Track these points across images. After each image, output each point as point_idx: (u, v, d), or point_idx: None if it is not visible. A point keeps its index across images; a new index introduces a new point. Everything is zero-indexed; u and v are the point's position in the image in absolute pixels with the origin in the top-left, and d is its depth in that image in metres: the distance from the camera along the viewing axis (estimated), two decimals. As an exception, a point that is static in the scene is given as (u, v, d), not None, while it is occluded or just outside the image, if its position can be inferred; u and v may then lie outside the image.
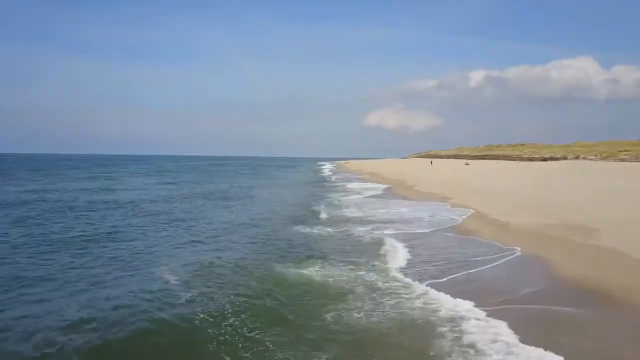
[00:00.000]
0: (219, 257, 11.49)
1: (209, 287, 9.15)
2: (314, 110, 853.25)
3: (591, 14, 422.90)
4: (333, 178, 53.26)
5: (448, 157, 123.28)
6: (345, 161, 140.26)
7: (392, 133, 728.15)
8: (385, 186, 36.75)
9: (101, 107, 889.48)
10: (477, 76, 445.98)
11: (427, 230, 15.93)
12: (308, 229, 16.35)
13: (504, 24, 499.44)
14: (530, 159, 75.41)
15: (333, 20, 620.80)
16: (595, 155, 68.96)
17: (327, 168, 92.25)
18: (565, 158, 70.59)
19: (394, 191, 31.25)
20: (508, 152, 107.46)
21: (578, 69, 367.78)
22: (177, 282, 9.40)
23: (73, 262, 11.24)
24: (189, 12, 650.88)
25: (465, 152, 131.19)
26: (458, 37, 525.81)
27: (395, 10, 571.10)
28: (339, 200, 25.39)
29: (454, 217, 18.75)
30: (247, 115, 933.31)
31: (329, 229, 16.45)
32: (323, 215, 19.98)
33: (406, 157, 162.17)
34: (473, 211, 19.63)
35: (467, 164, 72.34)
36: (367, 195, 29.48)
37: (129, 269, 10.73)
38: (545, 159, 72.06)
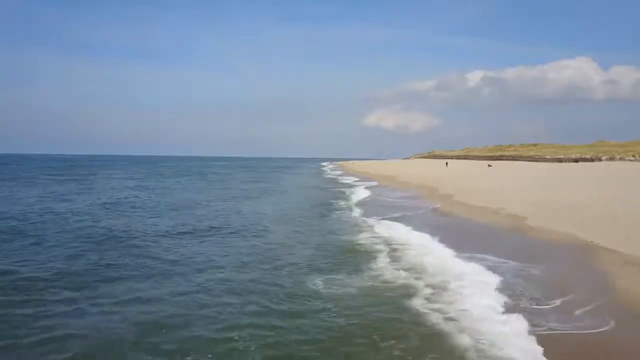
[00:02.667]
0: None
1: None
2: (313, 111, 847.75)
3: (590, 15, 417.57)
4: (347, 186, 45.67)
5: (458, 157, 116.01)
6: (349, 162, 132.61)
7: (391, 133, 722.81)
8: (415, 194, 29.13)
9: (101, 108, 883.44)
10: (475, 77, 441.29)
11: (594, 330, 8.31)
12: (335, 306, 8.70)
13: (502, 25, 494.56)
14: (559, 160, 67.90)
15: (332, 20, 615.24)
16: (634, 156, 61.66)
17: (331, 170, 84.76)
18: (599, 159, 63.14)
19: (441, 207, 23.51)
20: (523, 152, 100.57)
21: (577, 70, 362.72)
22: None
23: None
24: (189, 12, 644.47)
25: (475, 153, 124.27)
26: (456, 38, 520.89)
27: (394, 11, 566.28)
28: (376, 232, 17.21)
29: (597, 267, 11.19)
30: (247, 116, 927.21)
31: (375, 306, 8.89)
32: (356, 264, 12.35)
33: (408, 158, 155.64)
34: (605, 252, 12.09)
35: (489, 165, 64.87)
36: (406, 212, 21.84)
37: None
38: (576, 160, 64.58)
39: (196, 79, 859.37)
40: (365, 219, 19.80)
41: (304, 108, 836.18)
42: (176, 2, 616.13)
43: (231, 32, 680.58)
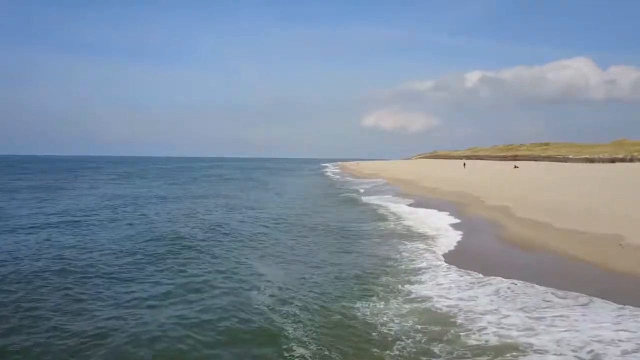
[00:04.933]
0: None
1: None
2: (313, 111, 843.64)
3: (589, 15, 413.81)
4: (361, 194, 38.88)
5: (468, 157, 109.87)
6: (354, 163, 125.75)
7: (390, 134, 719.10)
8: (458, 207, 22.25)
9: (101, 108, 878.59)
10: (473, 77, 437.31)
11: None
12: None
13: (502, 25, 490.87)
14: (590, 160, 61.42)
15: (332, 20, 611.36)
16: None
17: (338, 173, 78.07)
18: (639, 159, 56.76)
19: (515, 233, 16.60)
20: (538, 152, 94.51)
21: (576, 70, 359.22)
22: None
23: None
24: (189, 12, 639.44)
25: (482, 152, 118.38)
26: (455, 38, 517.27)
27: (394, 11, 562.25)
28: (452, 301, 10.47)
29: None
30: (246, 116, 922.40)
31: None
32: None
33: (410, 158, 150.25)
34: None
35: (516, 167, 58.29)
36: (467, 246, 15.09)
37: None
38: (612, 160, 58.11)
39: (196, 79, 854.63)
40: (438, 261, 13.07)
41: (304, 108, 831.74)
42: (176, 2, 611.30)
43: (231, 32, 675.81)
